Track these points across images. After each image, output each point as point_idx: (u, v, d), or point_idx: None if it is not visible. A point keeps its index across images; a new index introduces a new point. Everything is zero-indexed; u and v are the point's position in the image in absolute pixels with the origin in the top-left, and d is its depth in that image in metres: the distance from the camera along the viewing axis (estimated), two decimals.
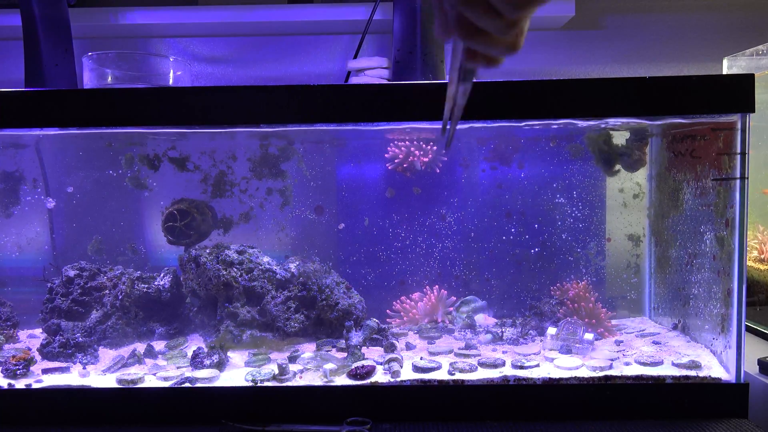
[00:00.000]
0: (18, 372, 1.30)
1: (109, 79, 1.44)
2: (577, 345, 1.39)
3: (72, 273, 1.58)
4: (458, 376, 1.26)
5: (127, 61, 1.45)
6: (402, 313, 1.67)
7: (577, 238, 1.70)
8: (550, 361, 1.33)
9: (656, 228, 1.68)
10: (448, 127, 0.65)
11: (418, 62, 1.44)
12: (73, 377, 1.31)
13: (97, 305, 1.56)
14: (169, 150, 1.64)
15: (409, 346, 1.47)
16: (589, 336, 1.40)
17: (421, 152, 1.64)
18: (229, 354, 1.41)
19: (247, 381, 1.26)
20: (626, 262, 1.74)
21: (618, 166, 1.61)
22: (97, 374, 1.33)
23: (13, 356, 1.32)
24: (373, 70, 1.58)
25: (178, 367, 1.36)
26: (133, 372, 1.33)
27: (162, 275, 1.63)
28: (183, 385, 1.25)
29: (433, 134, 1.62)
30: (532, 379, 1.24)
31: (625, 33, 1.87)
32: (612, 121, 1.31)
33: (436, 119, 1.21)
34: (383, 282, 1.72)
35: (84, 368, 1.36)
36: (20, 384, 1.26)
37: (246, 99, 1.19)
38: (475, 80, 0.61)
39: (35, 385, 1.26)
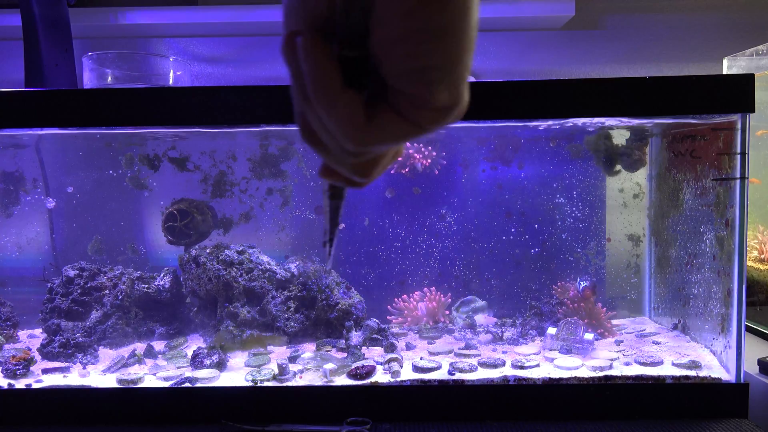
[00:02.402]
0: (18, 372, 1.30)
1: (109, 79, 1.44)
2: (577, 345, 1.39)
3: (72, 273, 1.58)
4: (458, 376, 1.26)
5: (127, 61, 1.46)
6: (405, 312, 1.67)
7: (577, 238, 1.70)
8: (550, 361, 1.33)
9: (656, 228, 1.68)
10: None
11: None
12: (73, 377, 1.31)
13: (97, 305, 1.56)
14: (169, 150, 1.64)
15: (409, 346, 1.47)
16: (589, 336, 1.40)
17: (421, 155, 1.64)
18: (228, 354, 1.41)
19: (247, 381, 1.26)
20: (626, 262, 1.74)
21: (618, 167, 1.61)
22: (97, 374, 1.33)
23: (13, 356, 1.32)
24: None
25: (178, 367, 1.36)
26: (133, 372, 1.33)
27: (162, 275, 1.63)
28: (183, 385, 1.25)
29: (432, 134, 1.62)
30: (532, 379, 1.24)
31: (625, 33, 1.87)
32: (612, 121, 1.31)
33: None
34: (383, 282, 1.72)
35: (84, 368, 1.36)
36: (20, 384, 1.26)
37: (246, 99, 1.19)
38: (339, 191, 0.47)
39: (35, 385, 1.26)
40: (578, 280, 1.62)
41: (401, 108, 0.38)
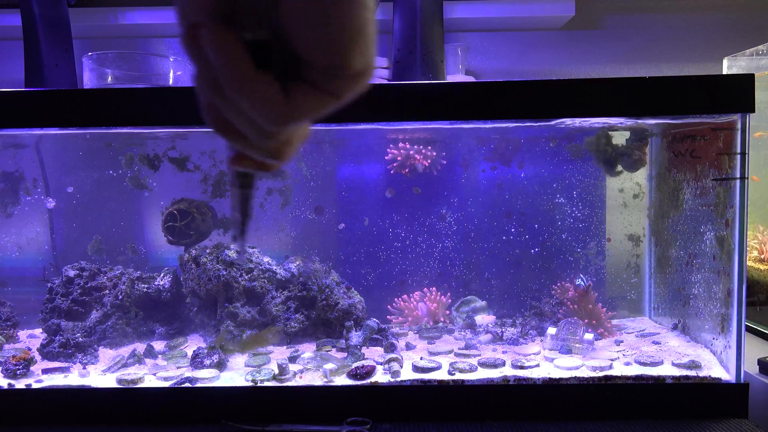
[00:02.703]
0: (18, 372, 1.30)
1: (109, 79, 1.44)
2: (577, 345, 1.39)
3: (72, 273, 1.58)
4: (458, 376, 1.26)
5: (127, 61, 1.46)
6: (406, 312, 1.67)
7: (577, 238, 1.70)
8: (550, 361, 1.33)
9: (656, 228, 1.68)
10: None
11: (418, 62, 1.44)
12: (73, 377, 1.31)
13: (97, 305, 1.56)
14: (169, 150, 1.64)
15: (409, 346, 1.47)
16: (589, 336, 1.40)
17: (421, 156, 1.64)
18: (228, 355, 1.41)
19: (247, 381, 1.26)
20: (626, 262, 1.74)
21: (620, 167, 1.61)
22: (97, 374, 1.33)
23: (13, 356, 1.32)
24: None
25: (178, 367, 1.36)
26: (133, 372, 1.33)
27: (162, 275, 1.63)
28: (183, 385, 1.25)
29: (433, 134, 1.62)
30: (532, 379, 1.24)
31: (625, 33, 1.87)
32: (612, 121, 1.31)
33: (436, 119, 1.21)
34: (383, 282, 1.72)
35: (84, 368, 1.36)
36: (20, 384, 1.26)
37: None
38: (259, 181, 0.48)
39: (35, 385, 1.26)
40: (579, 276, 1.62)
41: (316, 80, 0.39)
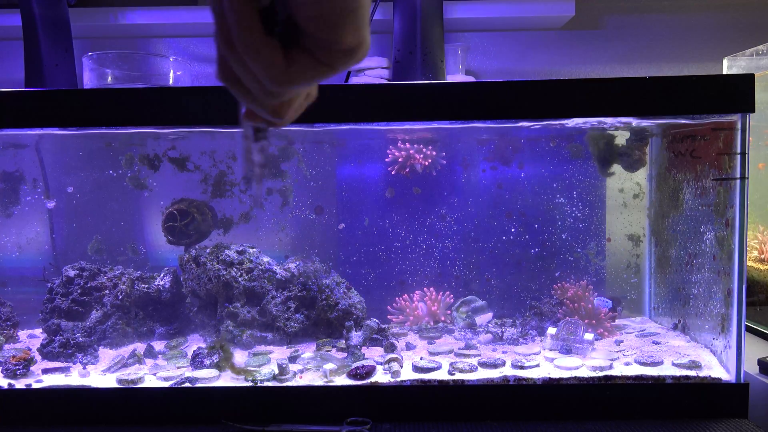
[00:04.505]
0: (18, 372, 1.30)
1: (109, 79, 1.44)
2: (577, 345, 1.39)
3: (72, 273, 1.58)
4: (458, 376, 1.26)
5: (127, 61, 1.46)
6: (407, 311, 1.67)
7: (577, 238, 1.70)
8: (550, 361, 1.33)
9: (656, 228, 1.68)
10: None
11: (418, 62, 1.44)
12: (73, 377, 1.31)
13: (97, 305, 1.56)
14: (169, 150, 1.64)
15: (409, 346, 1.47)
16: (589, 336, 1.40)
17: (421, 155, 1.64)
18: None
19: (247, 381, 1.26)
20: (626, 262, 1.74)
21: (613, 168, 1.61)
22: (97, 374, 1.33)
23: (13, 356, 1.32)
24: (373, 70, 1.58)
25: (178, 367, 1.36)
26: (133, 372, 1.33)
27: (162, 275, 1.63)
28: (183, 385, 1.25)
29: (433, 134, 1.62)
30: (532, 379, 1.24)
31: (625, 33, 1.87)
32: (612, 120, 1.31)
33: (436, 119, 1.21)
34: (383, 282, 1.72)
35: (84, 368, 1.36)
36: (20, 384, 1.26)
37: None
38: (270, 136, 0.52)
39: (35, 385, 1.26)
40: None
41: (314, 50, 0.43)
